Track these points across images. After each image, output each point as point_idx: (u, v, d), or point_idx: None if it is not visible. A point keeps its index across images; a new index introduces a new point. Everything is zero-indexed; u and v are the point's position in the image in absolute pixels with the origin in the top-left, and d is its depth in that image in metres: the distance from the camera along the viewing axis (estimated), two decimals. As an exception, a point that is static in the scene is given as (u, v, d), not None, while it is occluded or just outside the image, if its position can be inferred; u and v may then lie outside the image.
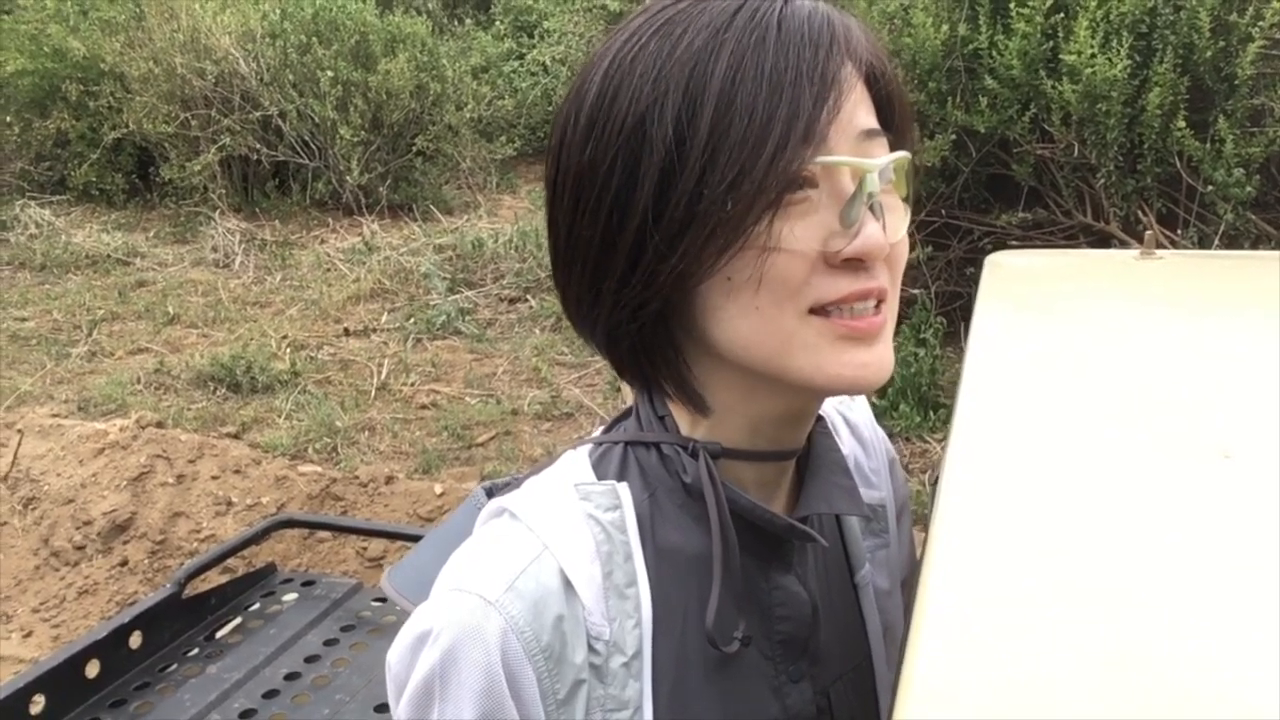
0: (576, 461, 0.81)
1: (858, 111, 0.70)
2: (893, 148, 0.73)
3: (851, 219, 0.68)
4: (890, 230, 0.70)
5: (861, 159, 0.69)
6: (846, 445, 0.91)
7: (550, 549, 0.72)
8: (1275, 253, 1.55)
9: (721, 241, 0.67)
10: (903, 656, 0.61)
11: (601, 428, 0.88)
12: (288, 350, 5.36)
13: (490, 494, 0.85)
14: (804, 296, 0.69)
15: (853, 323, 0.70)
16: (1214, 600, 0.62)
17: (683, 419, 0.79)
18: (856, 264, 0.69)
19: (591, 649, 0.72)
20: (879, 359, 0.72)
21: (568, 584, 0.72)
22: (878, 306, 0.71)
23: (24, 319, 5.96)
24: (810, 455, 0.83)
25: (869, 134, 0.71)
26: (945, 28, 4.19)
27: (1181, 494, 0.74)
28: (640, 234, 0.69)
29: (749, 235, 0.66)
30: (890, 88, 0.74)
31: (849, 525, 0.91)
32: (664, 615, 0.74)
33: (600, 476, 0.79)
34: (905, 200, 0.74)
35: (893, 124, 0.74)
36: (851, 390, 0.72)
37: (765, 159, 0.65)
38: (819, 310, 0.70)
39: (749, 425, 0.77)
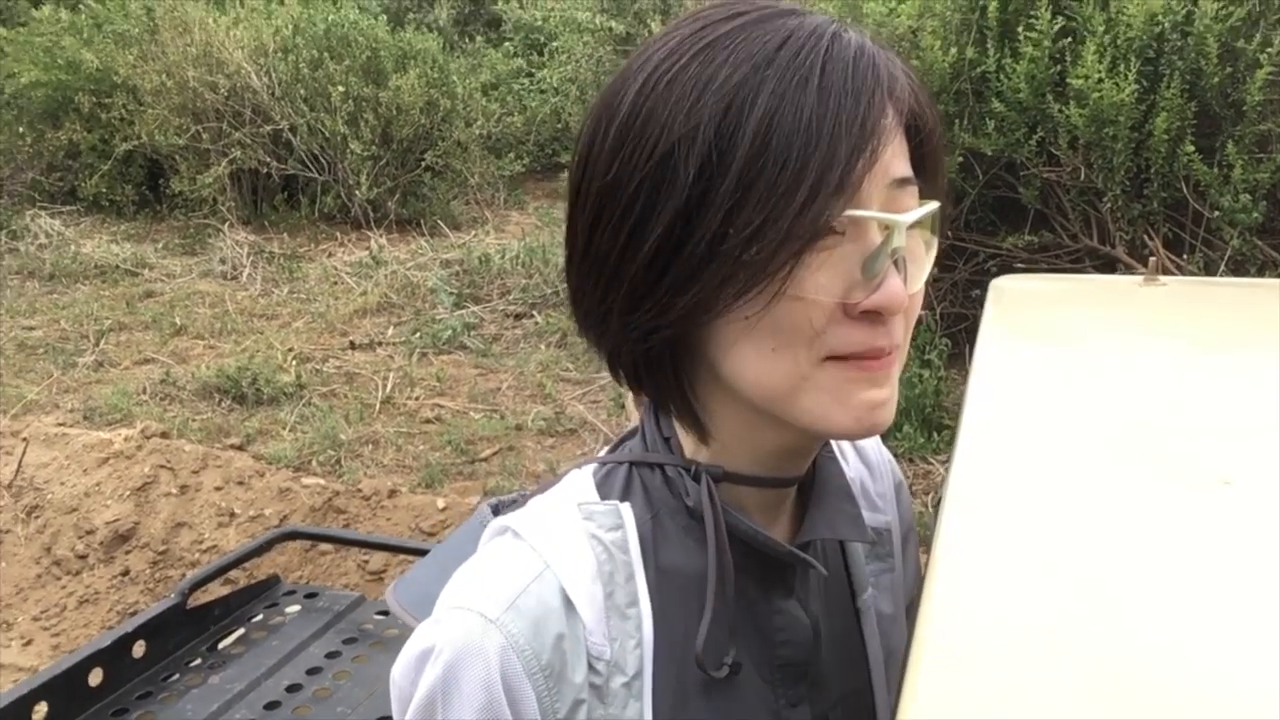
0: (580, 481, 0.81)
1: (893, 160, 0.68)
2: (923, 194, 0.72)
3: (874, 271, 0.67)
4: (911, 280, 0.69)
5: (892, 214, 0.67)
6: (853, 468, 0.91)
7: (552, 568, 0.73)
8: (1277, 280, 1.56)
9: (740, 284, 0.66)
10: (903, 679, 0.61)
11: (607, 447, 0.88)
12: (293, 363, 5.37)
13: (496, 511, 0.85)
14: (819, 345, 0.68)
15: (864, 360, 0.69)
16: (1214, 625, 0.62)
17: (688, 441, 0.79)
18: (874, 316, 0.68)
19: (592, 669, 0.72)
20: (885, 402, 0.71)
21: (569, 603, 0.72)
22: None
23: (32, 328, 5.98)
24: (815, 480, 0.82)
25: (901, 182, 0.69)
26: (954, 50, 4.20)
27: (1182, 520, 0.74)
28: (659, 263, 0.68)
29: (770, 280, 0.65)
30: (928, 136, 0.73)
31: (852, 549, 0.90)
32: (665, 636, 0.74)
33: (604, 496, 0.79)
34: (932, 232, 0.73)
35: (925, 171, 0.73)
36: (856, 437, 0.72)
37: (794, 208, 0.64)
38: (832, 358, 0.69)
39: (752, 454, 0.77)
